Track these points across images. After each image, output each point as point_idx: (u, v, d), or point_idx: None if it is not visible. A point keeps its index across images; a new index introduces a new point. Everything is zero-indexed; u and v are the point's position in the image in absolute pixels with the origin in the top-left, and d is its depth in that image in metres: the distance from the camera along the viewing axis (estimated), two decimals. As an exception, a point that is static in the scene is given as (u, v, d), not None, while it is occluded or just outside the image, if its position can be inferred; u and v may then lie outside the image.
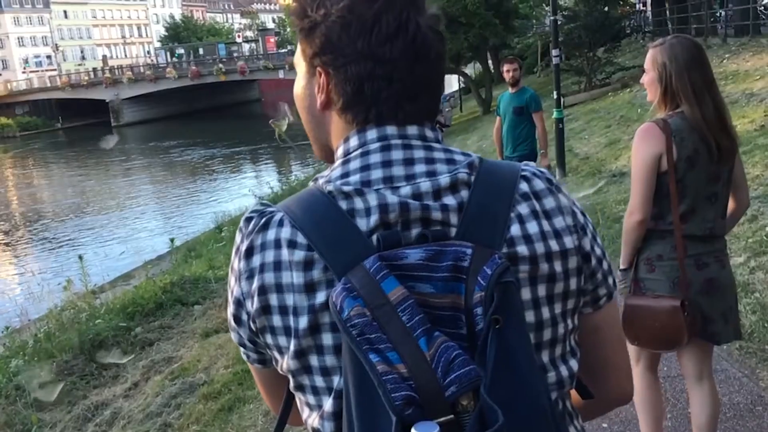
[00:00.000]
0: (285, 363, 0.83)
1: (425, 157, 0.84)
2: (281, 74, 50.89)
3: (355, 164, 0.84)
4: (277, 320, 0.81)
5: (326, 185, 0.83)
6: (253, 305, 0.83)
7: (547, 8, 34.55)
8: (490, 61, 27.70)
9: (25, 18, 79.31)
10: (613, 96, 15.10)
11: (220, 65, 54.43)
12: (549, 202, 0.85)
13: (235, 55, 62.40)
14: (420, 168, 0.83)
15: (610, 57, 17.48)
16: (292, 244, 0.80)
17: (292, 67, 46.29)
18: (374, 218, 0.79)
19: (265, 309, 0.82)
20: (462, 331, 0.73)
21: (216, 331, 5.86)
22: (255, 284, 0.82)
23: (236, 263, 0.85)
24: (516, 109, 6.15)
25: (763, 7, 17.36)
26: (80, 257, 7.84)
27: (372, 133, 0.85)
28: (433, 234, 0.78)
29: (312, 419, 0.84)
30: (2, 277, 13.74)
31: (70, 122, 57.10)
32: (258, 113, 61.01)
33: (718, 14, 21.00)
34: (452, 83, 30.71)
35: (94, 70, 64.99)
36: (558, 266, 0.84)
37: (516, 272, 0.80)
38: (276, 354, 0.84)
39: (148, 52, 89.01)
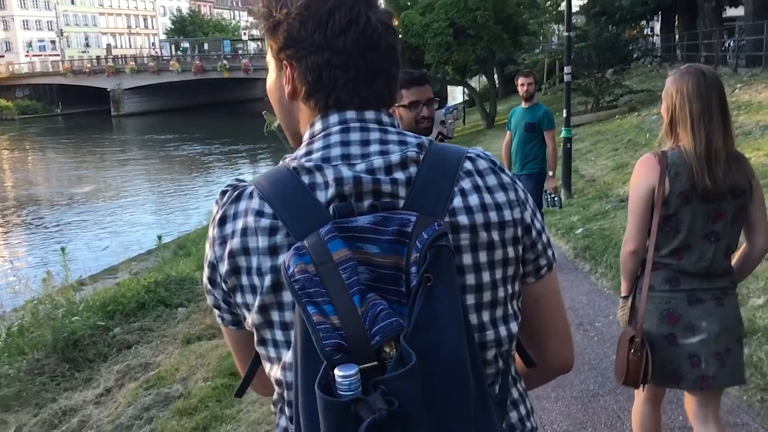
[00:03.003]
0: (250, 318, 0.92)
1: (380, 138, 0.93)
2: (285, 74, 50.51)
3: (318, 144, 0.93)
4: (244, 279, 0.91)
5: (291, 162, 0.93)
6: (224, 267, 0.92)
7: (555, 26, 34.55)
8: (495, 76, 27.54)
9: (31, 1, 78.94)
10: (620, 119, 14.90)
11: (224, 62, 54.15)
12: (491, 180, 0.94)
13: (240, 52, 62.15)
14: (374, 148, 0.92)
15: (619, 79, 17.28)
16: (260, 213, 0.89)
17: (296, 69, 46.12)
18: (331, 191, 0.88)
19: (235, 270, 0.91)
20: (402, 289, 0.81)
21: (198, 337, 5.55)
22: (227, 248, 0.91)
23: (211, 231, 0.95)
24: (527, 125, 5.88)
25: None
26: (62, 249, 7.50)
27: (334, 118, 0.95)
28: (382, 205, 0.87)
29: (274, 371, 0.92)
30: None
31: (69, 108, 56.75)
32: (259, 112, 60.74)
33: (728, 44, 20.91)
34: (456, 95, 30.53)
35: (98, 58, 64.68)
36: (496, 235, 0.92)
37: (457, 239, 0.90)
38: (244, 311, 0.93)
39: (153, 44, 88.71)
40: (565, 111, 9.16)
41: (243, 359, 1.04)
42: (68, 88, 57.65)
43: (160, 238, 8.67)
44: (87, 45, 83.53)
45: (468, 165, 0.94)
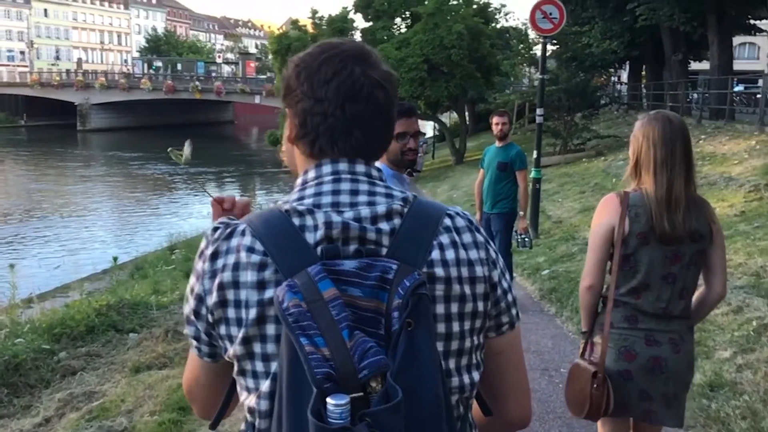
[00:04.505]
0: (232, 350, 0.96)
1: (368, 190, 1.01)
2: (257, 99, 50.52)
3: (310, 191, 1.00)
4: (231, 312, 0.95)
5: (283, 205, 0.99)
6: (212, 300, 0.97)
7: (527, 68, 35.29)
8: (466, 113, 27.85)
9: (3, 11, 77.76)
10: (587, 162, 15.09)
11: (197, 83, 53.82)
12: (467, 237, 1.01)
13: (213, 75, 61.91)
14: (363, 198, 0.99)
15: (587, 123, 17.58)
16: (251, 250, 0.95)
17: (269, 94, 46.34)
18: (320, 233, 0.95)
19: (223, 302, 0.96)
20: (380, 332, 0.87)
21: (148, 366, 5.28)
22: (216, 281, 0.96)
23: (200, 265, 0.99)
24: (500, 164, 5.84)
25: (736, 95, 17.74)
26: (11, 266, 7.15)
27: (327, 168, 1.02)
28: (366, 251, 0.94)
29: (249, 400, 0.96)
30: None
31: (34, 120, 55.67)
32: (230, 135, 60.44)
33: (693, 96, 21.53)
34: (426, 130, 30.83)
35: (68, 71, 63.70)
36: (468, 289, 0.99)
37: (433, 290, 0.96)
38: (227, 343, 0.97)
39: (126, 61, 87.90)
40: (535, 152, 9.19)
41: (213, 391, 1.09)
42: (34, 100, 56.58)
43: (115, 259, 8.35)
44: (57, 58, 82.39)
45: (447, 221, 1.02)
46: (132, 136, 49.41)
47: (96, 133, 52.03)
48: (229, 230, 0.99)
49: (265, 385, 0.94)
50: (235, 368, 0.98)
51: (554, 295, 6.43)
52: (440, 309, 0.97)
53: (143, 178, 30.33)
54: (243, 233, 0.98)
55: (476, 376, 1.03)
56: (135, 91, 54.43)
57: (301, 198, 1.01)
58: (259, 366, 0.95)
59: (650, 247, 2.20)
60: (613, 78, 32.76)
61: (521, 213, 6.03)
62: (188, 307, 1.02)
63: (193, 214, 19.04)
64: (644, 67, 28.51)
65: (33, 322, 6.20)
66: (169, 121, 56.19)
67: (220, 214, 1.26)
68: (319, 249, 0.94)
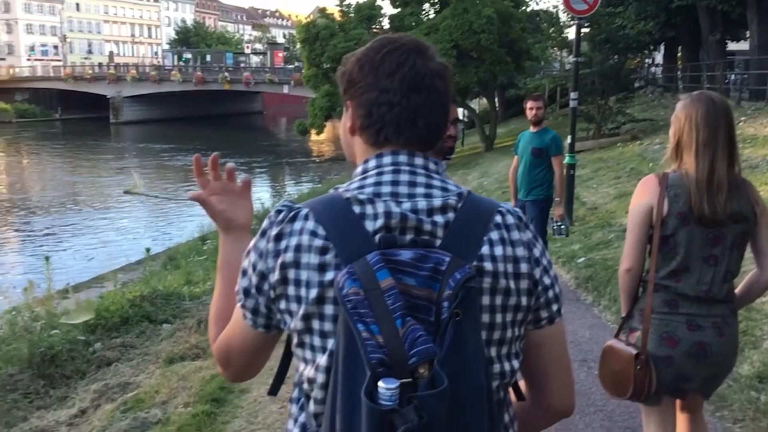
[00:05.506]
0: (293, 323, 1.05)
1: (425, 183, 1.07)
2: (285, 89, 50.61)
3: (370, 180, 1.07)
4: (291, 290, 1.04)
5: (345, 193, 1.06)
6: (274, 277, 1.05)
7: (558, 52, 34.67)
8: (496, 99, 27.49)
9: (36, 6, 79.10)
10: (622, 147, 14.76)
11: (226, 74, 54.12)
12: (515, 235, 1.07)
13: (242, 65, 62.18)
14: (420, 190, 1.06)
15: (622, 107, 17.17)
16: (314, 234, 1.02)
17: (297, 83, 46.34)
18: (379, 222, 1.01)
19: (284, 280, 1.04)
20: (431, 318, 0.94)
21: (182, 357, 5.28)
22: (279, 261, 1.04)
23: (263, 244, 1.08)
24: (535, 150, 5.69)
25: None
26: (47, 258, 7.22)
27: (387, 159, 1.09)
28: (421, 241, 1.02)
29: (307, 371, 1.04)
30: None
31: (68, 114, 56.63)
32: (259, 125, 60.75)
33: (731, 77, 20.92)
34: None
35: (100, 65, 64.64)
36: (512, 284, 1.05)
37: (480, 282, 1.02)
38: (286, 317, 1.07)
39: (156, 54, 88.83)
40: (569, 137, 8.96)
41: (253, 359, 1.19)
42: (68, 94, 57.53)
43: (148, 250, 8.40)
44: (90, 52, 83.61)
45: (498, 218, 1.07)
46: (163, 128, 49.96)
47: (128, 125, 52.74)
48: (292, 214, 1.06)
49: (322, 360, 1.01)
50: (294, 340, 1.06)
51: (591, 284, 6.27)
52: (486, 300, 1.03)
53: (174, 169, 30.65)
54: (306, 217, 1.04)
55: (516, 364, 1.10)
56: (165, 83, 55.00)
57: (361, 187, 1.07)
58: (317, 341, 1.03)
59: (689, 228, 2.18)
60: (647, 60, 31.97)
61: (557, 199, 5.87)
62: (247, 281, 1.10)
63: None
64: (680, 48, 27.80)
65: (69, 313, 6.25)
66: (198, 112, 56.72)
67: (206, 184, 1.33)
68: (377, 237, 1.00)
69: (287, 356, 1.13)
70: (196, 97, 56.12)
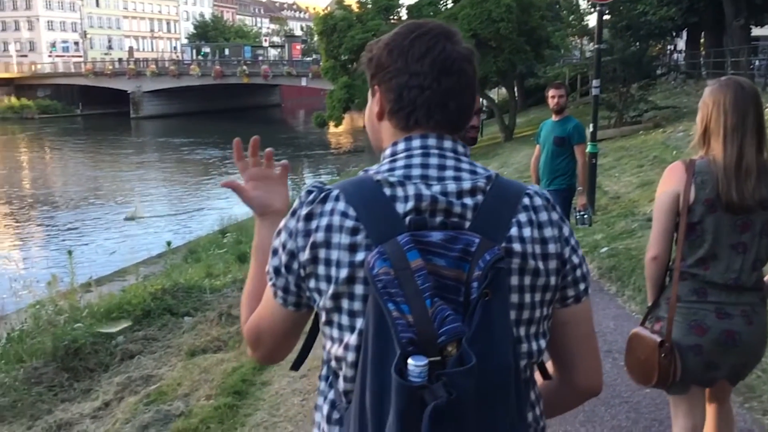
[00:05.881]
0: (322, 302, 1.06)
1: (454, 166, 1.08)
2: (304, 82, 50.64)
3: (400, 163, 1.08)
4: (321, 269, 1.05)
5: (375, 175, 1.07)
6: (304, 256, 1.06)
7: (578, 40, 34.25)
8: (515, 88, 27.23)
9: (56, 2, 79.87)
10: (644, 135, 14.54)
11: (244, 67, 54.29)
12: (543, 216, 1.08)
13: (260, 58, 62.28)
14: (449, 173, 1.07)
15: (644, 94, 16.90)
16: (345, 215, 1.03)
17: (315, 76, 46.37)
18: (410, 204, 1.03)
19: (314, 260, 1.05)
20: (460, 299, 0.95)
21: (203, 350, 5.30)
22: (310, 240, 1.05)
23: (293, 223, 1.09)
24: (557, 139, 5.59)
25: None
26: (69, 252, 7.29)
27: (416, 142, 1.10)
28: (451, 224, 1.03)
29: (335, 349, 1.06)
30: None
31: (89, 109, 57.18)
32: (277, 118, 60.90)
33: (755, 62, 20.50)
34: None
35: (120, 60, 65.18)
36: (541, 264, 1.06)
37: (509, 263, 1.03)
38: (315, 295, 1.07)
39: (175, 48, 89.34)
40: (591, 125, 8.82)
41: (283, 339, 1.21)
42: (89, 89, 58.07)
43: (169, 243, 8.44)
44: (110, 47, 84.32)
45: (526, 200, 1.08)
46: (183, 122, 50.29)
47: (148, 120, 53.14)
48: (323, 194, 1.07)
49: (351, 339, 1.03)
50: (323, 319, 1.07)
51: (614, 274, 6.18)
52: (515, 281, 1.05)
53: (194, 163, 30.86)
54: (337, 198, 1.05)
55: (543, 344, 1.11)
56: (184, 77, 55.30)
57: (392, 169, 1.08)
58: (346, 320, 1.04)
59: (717, 215, 2.15)
60: (669, 47, 31.46)
61: (580, 189, 5.78)
62: (278, 260, 1.11)
63: (243, 198, 19.15)
64: (703, 34, 27.30)
65: (91, 306, 6.31)
66: (217, 106, 56.97)
67: (245, 168, 1.36)
68: (407, 219, 1.02)
69: (313, 333, 1.16)
70: (214, 90, 56.37)
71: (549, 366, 1.22)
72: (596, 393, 1.23)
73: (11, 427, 4.52)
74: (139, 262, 9.67)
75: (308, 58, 59.05)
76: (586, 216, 5.96)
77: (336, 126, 30.76)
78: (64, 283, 6.88)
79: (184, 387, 4.57)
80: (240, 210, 15.34)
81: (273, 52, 69.89)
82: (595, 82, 8.93)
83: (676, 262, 2.24)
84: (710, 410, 2.47)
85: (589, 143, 8.61)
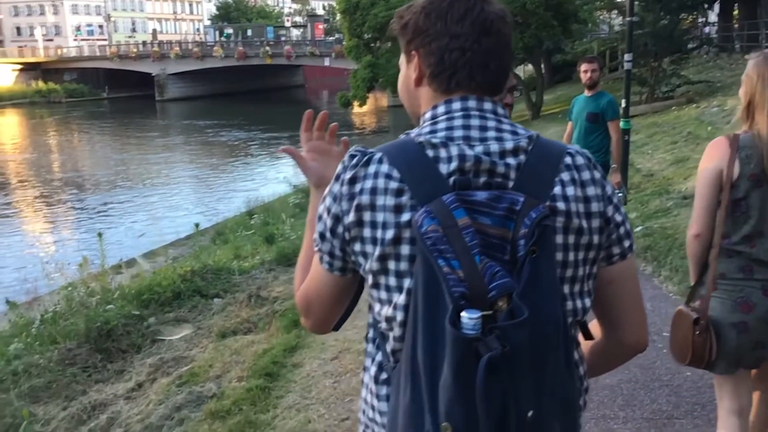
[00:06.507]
0: (368, 265, 1.07)
1: (496, 127, 1.09)
2: (327, 62, 50.44)
3: (441, 125, 1.09)
4: (366, 232, 1.06)
5: (417, 137, 1.08)
6: (349, 219, 1.07)
7: (606, 14, 33.51)
8: (542, 65, 26.79)
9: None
10: (677, 110, 14.20)
11: (267, 48, 54.24)
12: (586, 174, 1.09)
13: (282, 39, 62.21)
14: (491, 134, 1.08)
15: (676, 69, 16.47)
16: (389, 177, 1.04)
17: (338, 56, 46.15)
18: (453, 165, 1.04)
19: (359, 222, 1.06)
20: (506, 257, 0.96)
21: (234, 332, 5.30)
22: (354, 203, 1.06)
23: (337, 188, 1.10)
24: (590, 115, 5.44)
25: None
26: (99, 234, 7.33)
27: (456, 104, 1.11)
28: (495, 183, 1.04)
29: (384, 310, 1.08)
30: (18, 246, 13.40)
31: (115, 93, 57.71)
32: (301, 99, 60.84)
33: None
34: (501, 84, 29.91)
35: (144, 43, 65.49)
36: (584, 223, 1.07)
37: (554, 221, 1.03)
38: (360, 259, 1.08)
39: (198, 30, 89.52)
40: (623, 101, 8.60)
41: (331, 305, 1.21)
42: (114, 73, 58.56)
43: (197, 225, 8.46)
44: (133, 30, 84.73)
45: (568, 160, 1.08)
46: (207, 104, 50.50)
47: (173, 102, 53.46)
48: (366, 158, 1.08)
49: (400, 299, 1.04)
50: (370, 281, 1.09)
51: (650, 254, 6.04)
52: (559, 239, 1.05)
53: (219, 144, 31.00)
54: (380, 161, 1.06)
55: (588, 302, 1.12)
56: (208, 59, 55.45)
57: (433, 131, 1.08)
58: (393, 281, 1.05)
59: (763, 190, 2.11)
60: (701, 19, 30.63)
61: (614, 166, 5.63)
62: (323, 225, 1.12)
63: (269, 180, 19.26)
64: (735, 5, 26.50)
65: (122, 288, 6.34)
66: (241, 87, 57.10)
67: (309, 139, 1.39)
68: (451, 180, 1.02)
69: (356, 297, 1.19)
70: (238, 72, 56.46)
71: (592, 325, 1.23)
72: (642, 349, 1.25)
73: (47, 407, 4.57)
74: (168, 244, 9.72)
75: (331, 38, 58.76)
76: (620, 194, 5.77)
77: (360, 106, 30.62)
78: (94, 265, 6.92)
79: (216, 368, 4.57)
80: (266, 192, 15.39)
81: (295, 32, 69.74)
82: (627, 56, 8.68)
83: (716, 239, 2.20)
84: (756, 393, 2.42)
85: (622, 120, 8.42)
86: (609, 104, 5.47)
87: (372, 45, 26.10)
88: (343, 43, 31.64)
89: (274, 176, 19.38)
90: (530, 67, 28.76)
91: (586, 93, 5.54)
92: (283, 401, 3.88)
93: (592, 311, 1.18)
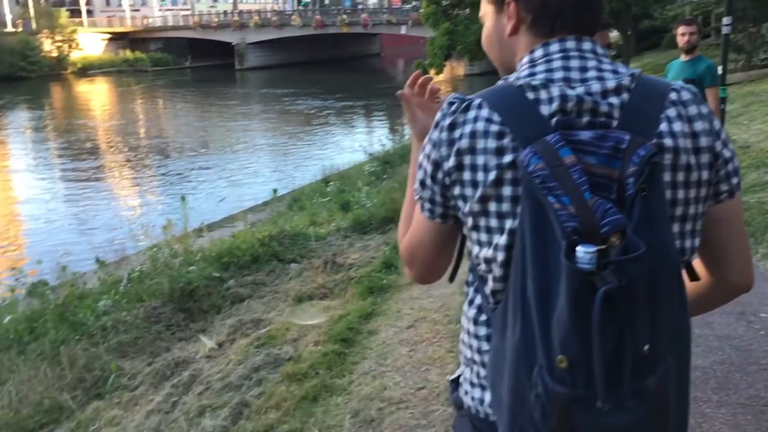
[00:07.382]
0: (468, 207, 1.07)
1: (596, 66, 1.07)
2: (403, 30, 49.95)
3: (540, 68, 1.07)
4: (467, 175, 1.06)
5: (516, 81, 1.06)
6: (449, 164, 1.08)
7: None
8: (629, 31, 25.57)
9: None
10: (777, 79, 13.26)
11: (344, 16, 54.18)
12: (692, 110, 1.05)
13: (359, 7, 61.97)
14: (592, 74, 1.05)
15: (777, 35, 15.37)
16: (489, 121, 1.04)
17: (415, 23, 45.66)
18: (555, 105, 1.02)
19: (459, 166, 1.07)
20: (612, 197, 0.94)
21: (310, 296, 5.35)
22: (454, 148, 1.07)
23: (436, 134, 1.10)
24: (687, 81, 5.08)
25: None
26: (183, 198, 7.55)
27: (555, 46, 1.09)
28: (599, 123, 1.02)
29: (483, 252, 1.08)
30: (108, 208, 14.05)
31: (197, 62, 59.17)
32: (377, 68, 60.68)
33: None
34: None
35: (225, 12, 66.69)
36: (693, 159, 1.04)
37: (661, 159, 1.00)
38: (460, 202, 1.09)
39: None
40: (720, 68, 8.04)
41: (435, 253, 1.21)
42: (197, 42, 59.99)
43: (275, 191, 8.57)
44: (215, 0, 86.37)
45: (673, 95, 1.05)
46: (285, 72, 51.12)
47: (252, 71, 54.39)
48: (465, 104, 1.08)
49: (501, 239, 1.04)
50: (469, 224, 1.09)
51: (746, 230, 5.66)
52: (667, 177, 1.03)
53: (296, 113, 31.36)
54: (480, 106, 1.06)
55: (696, 242, 1.10)
56: (286, 28, 55.94)
57: (532, 74, 1.07)
58: (494, 222, 1.05)
59: None
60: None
61: (711, 136, 5.28)
62: (422, 173, 1.13)
63: (345, 148, 19.36)
64: None
65: (203, 251, 6.52)
66: (318, 56, 57.42)
67: (411, 95, 1.39)
68: (553, 121, 1.01)
69: (462, 244, 1.19)
70: (315, 41, 56.74)
71: (696, 264, 1.19)
72: (748, 288, 1.23)
73: (133, 362, 4.77)
74: (247, 210, 9.92)
75: (407, 6, 58.04)
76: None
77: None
78: (177, 228, 7.13)
79: (292, 332, 4.63)
80: (342, 160, 15.47)
81: (372, 1, 69.22)
82: (726, 20, 8.10)
83: None
84: None
85: (719, 88, 7.91)
86: (708, 70, 5.11)
87: (450, 12, 25.57)
88: (421, 10, 31.12)
89: (350, 145, 19.47)
90: (616, 33, 27.52)
91: (683, 58, 5.19)
92: (359, 367, 3.88)
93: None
